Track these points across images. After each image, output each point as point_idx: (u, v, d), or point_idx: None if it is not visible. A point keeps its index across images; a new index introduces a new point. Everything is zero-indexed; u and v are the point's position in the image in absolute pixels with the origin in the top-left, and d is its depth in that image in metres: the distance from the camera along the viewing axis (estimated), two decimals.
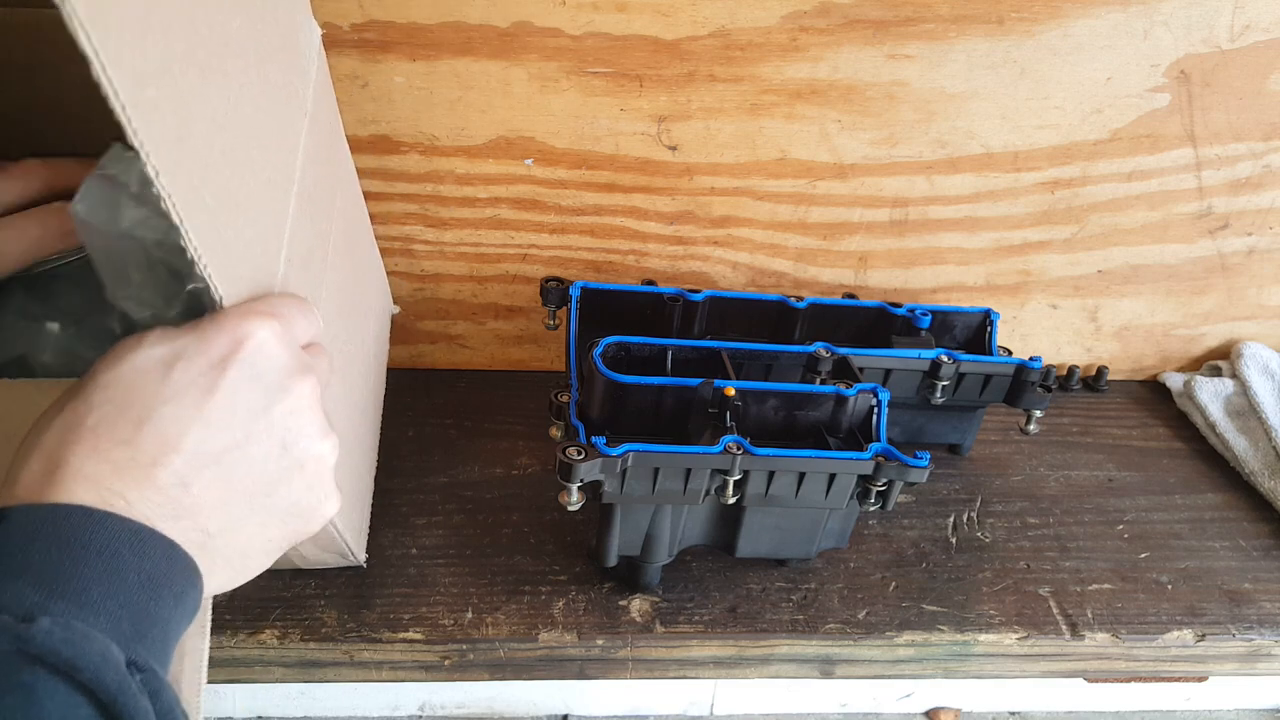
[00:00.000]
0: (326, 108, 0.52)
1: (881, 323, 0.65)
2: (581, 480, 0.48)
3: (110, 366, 0.33)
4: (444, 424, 0.69)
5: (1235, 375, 0.76)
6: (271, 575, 0.51)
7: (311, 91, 0.47)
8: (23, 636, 0.27)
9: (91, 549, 0.30)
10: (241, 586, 0.37)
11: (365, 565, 0.56)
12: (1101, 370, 0.80)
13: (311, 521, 0.39)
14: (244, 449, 0.35)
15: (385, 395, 0.66)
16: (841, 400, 0.53)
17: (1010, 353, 0.66)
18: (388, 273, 0.69)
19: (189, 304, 0.38)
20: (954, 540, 0.62)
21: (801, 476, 0.51)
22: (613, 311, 0.62)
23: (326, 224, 0.49)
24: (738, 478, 0.50)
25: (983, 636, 0.55)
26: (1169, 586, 0.60)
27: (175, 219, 0.31)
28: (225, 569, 0.36)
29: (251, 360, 0.35)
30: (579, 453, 0.47)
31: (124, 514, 0.31)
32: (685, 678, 0.56)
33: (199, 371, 0.34)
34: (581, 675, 0.55)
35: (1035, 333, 0.78)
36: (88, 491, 0.31)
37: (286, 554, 0.51)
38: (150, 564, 0.31)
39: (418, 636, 0.52)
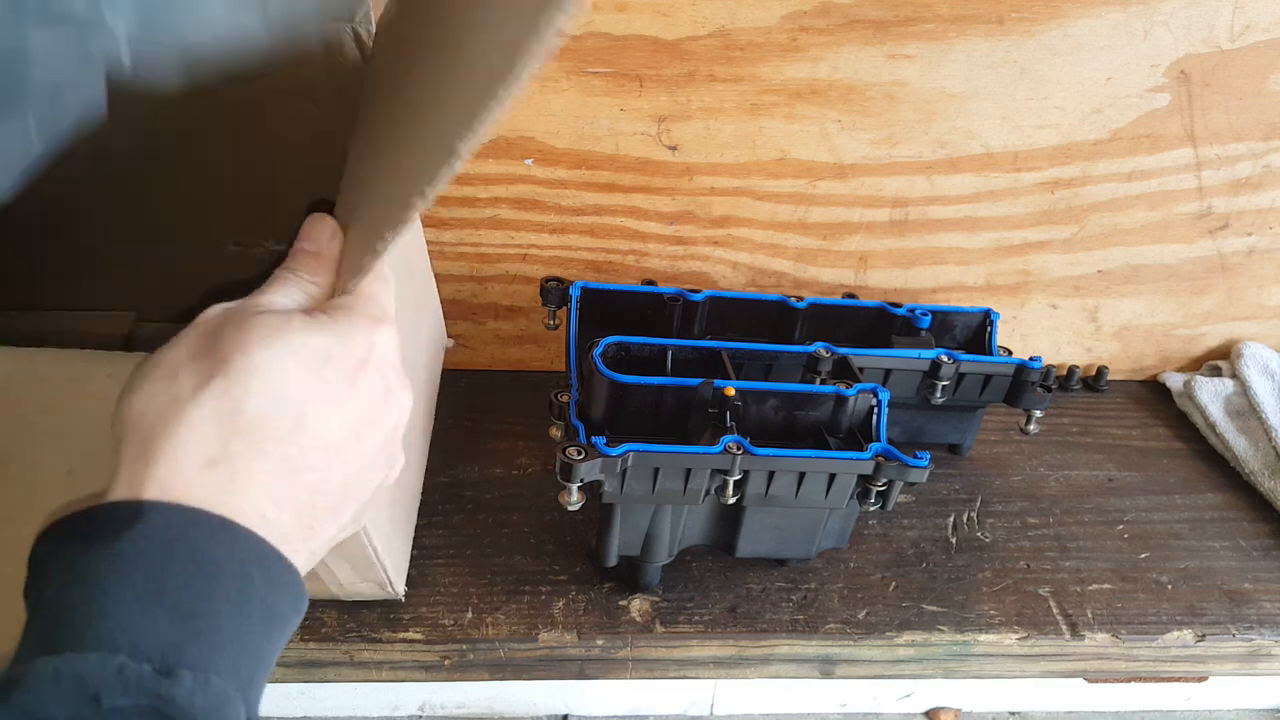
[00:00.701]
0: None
1: (881, 323, 0.65)
2: (581, 480, 0.48)
3: (265, 346, 0.30)
4: (444, 424, 0.69)
5: (1235, 375, 0.76)
6: None
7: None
8: (164, 695, 0.24)
9: (226, 573, 0.27)
10: None
11: (404, 599, 0.54)
12: (1101, 370, 0.80)
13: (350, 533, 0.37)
14: (362, 458, 0.33)
15: None
16: (841, 400, 0.53)
17: (1010, 353, 0.66)
18: None
19: None
20: (954, 540, 0.62)
21: (801, 476, 0.51)
22: (613, 311, 0.62)
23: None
24: (738, 478, 0.50)
25: (983, 636, 0.55)
26: (1169, 586, 0.60)
27: None
28: None
29: (379, 366, 0.33)
30: (579, 453, 0.47)
31: (261, 531, 0.28)
32: (685, 678, 0.56)
33: (343, 374, 0.31)
34: (581, 675, 0.55)
35: (1035, 333, 0.78)
36: (242, 496, 0.28)
37: (325, 582, 0.50)
38: (274, 595, 0.28)
39: (418, 636, 0.52)
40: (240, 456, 0.28)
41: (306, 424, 0.30)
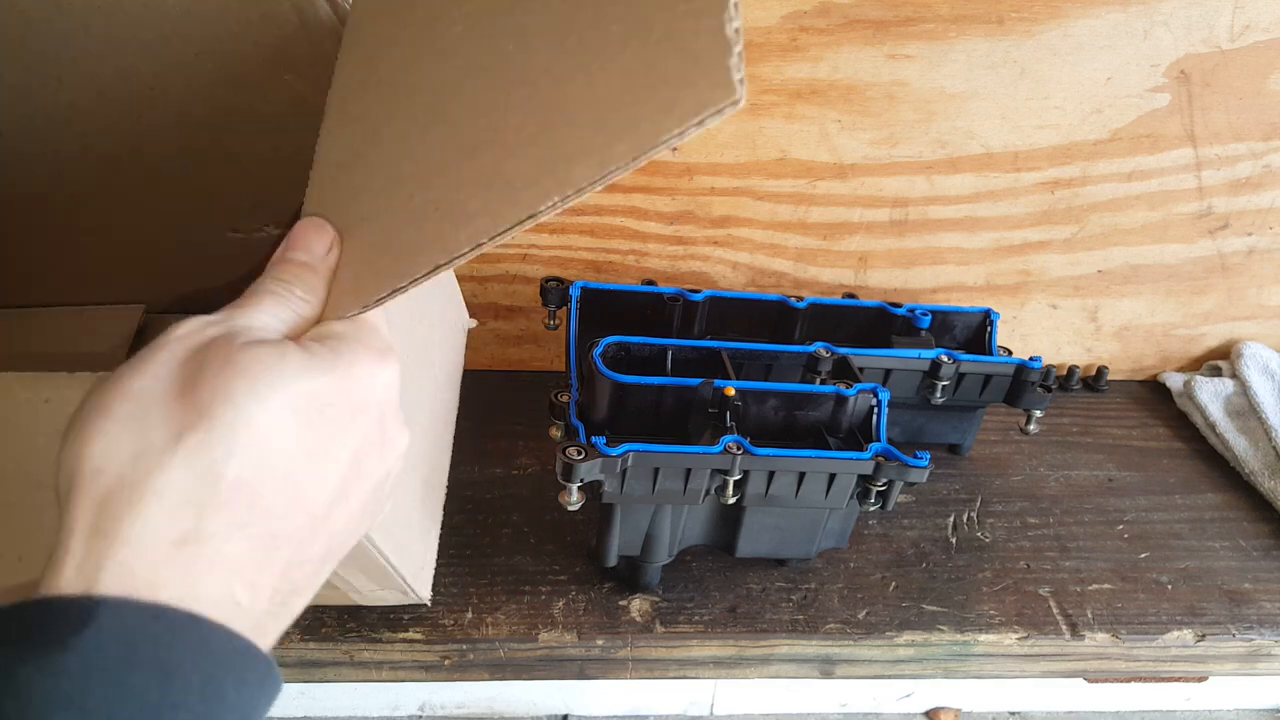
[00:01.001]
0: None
1: (881, 323, 0.65)
2: (581, 480, 0.48)
3: (254, 393, 0.25)
4: None
5: (1235, 375, 0.76)
6: None
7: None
8: None
9: (193, 683, 0.23)
10: None
11: (430, 604, 0.52)
12: (1101, 370, 0.80)
13: None
14: (349, 515, 0.29)
15: None
16: (841, 400, 0.53)
17: (1010, 353, 0.66)
18: None
19: None
20: (954, 540, 0.62)
21: (801, 476, 0.51)
22: (613, 311, 0.62)
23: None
24: (738, 478, 0.50)
25: (983, 636, 0.55)
26: (1169, 586, 0.60)
27: None
28: None
29: (379, 408, 0.29)
30: (579, 453, 0.47)
31: (234, 625, 0.24)
32: (685, 678, 0.56)
33: (339, 423, 0.27)
34: (581, 675, 0.55)
35: (1035, 333, 0.78)
36: (213, 580, 0.24)
37: (343, 590, 0.48)
38: (245, 695, 0.24)
39: (418, 636, 0.52)
40: (216, 533, 0.24)
41: (293, 490, 0.26)
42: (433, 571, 0.53)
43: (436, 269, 0.28)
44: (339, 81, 0.38)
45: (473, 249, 0.27)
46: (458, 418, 0.69)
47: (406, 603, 0.52)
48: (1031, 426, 0.66)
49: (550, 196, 0.25)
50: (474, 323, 0.66)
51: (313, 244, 0.32)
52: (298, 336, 0.29)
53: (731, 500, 0.51)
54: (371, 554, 0.43)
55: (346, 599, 0.50)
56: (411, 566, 0.48)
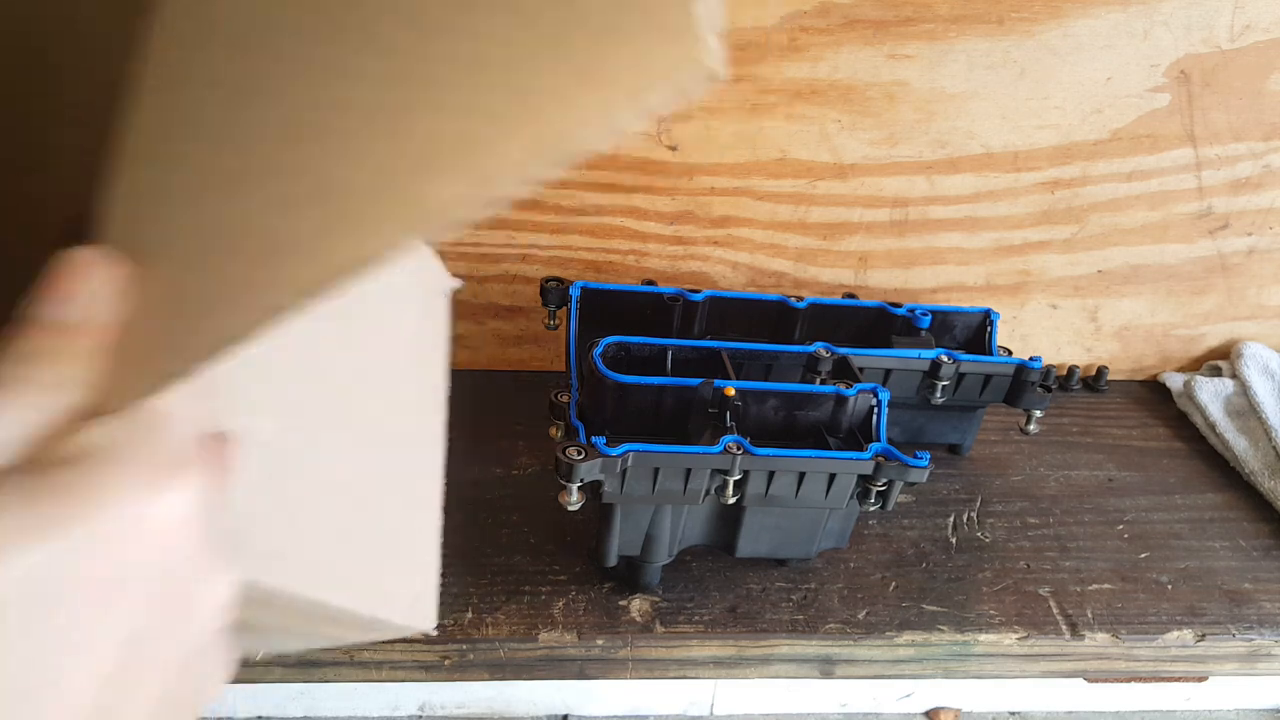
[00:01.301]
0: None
1: (881, 323, 0.65)
2: (581, 480, 0.48)
3: None
4: None
5: (1235, 375, 0.76)
6: None
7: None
8: None
9: None
10: None
11: (436, 633, 0.45)
12: (1101, 370, 0.80)
13: None
14: None
15: None
16: (841, 400, 0.53)
17: (1010, 353, 0.66)
18: None
19: None
20: (954, 540, 0.62)
21: (801, 476, 0.51)
22: (613, 311, 0.62)
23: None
24: (738, 478, 0.50)
25: (983, 636, 0.55)
26: (1169, 586, 0.60)
27: None
28: None
29: (163, 571, 0.19)
30: (579, 453, 0.47)
31: None
32: (685, 678, 0.56)
33: (89, 612, 0.18)
34: (581, 675, 0.55)
35: (1035, 333, 0.78)
36: None
37: (333, 638, 0.39)
38: None
39: (417, 636, 0.52)
40: None
41: None
42: (435, 594, 0.44)
43: (227, 347, 0.18)
44: (156, 42, 0.25)
45: (273, 316, 0.18)
46: (456, 418, 0.67)
47: (410, 635, 0.47)
48: (1031, 426, 0.66)
49: (390, 240, 0.16)
50: (459, 283, 0.54)
51: (81, 291, 0.20)
52: (50, 444, 0.19)
53: (731, 500, 0.51)
54: (343, 616, 0.34)
55: (345, 641, 0.41)
56: (398, 607, 0.40)
